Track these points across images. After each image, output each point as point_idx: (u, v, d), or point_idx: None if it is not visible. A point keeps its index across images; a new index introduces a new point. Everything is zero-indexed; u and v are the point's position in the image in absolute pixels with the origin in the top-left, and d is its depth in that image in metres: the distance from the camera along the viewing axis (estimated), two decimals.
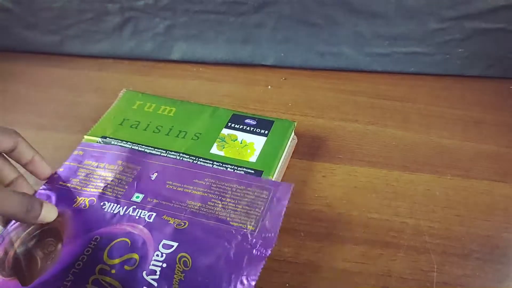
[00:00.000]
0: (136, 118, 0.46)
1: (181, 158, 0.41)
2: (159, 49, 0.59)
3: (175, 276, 0.30)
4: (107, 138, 0.44)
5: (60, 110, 0.54)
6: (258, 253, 0.32)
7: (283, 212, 0.35)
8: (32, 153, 0.37)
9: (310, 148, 0.45)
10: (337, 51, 0.55)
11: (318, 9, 0.52)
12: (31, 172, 0.38)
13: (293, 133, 0.45)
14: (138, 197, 0.37)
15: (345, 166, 0.44)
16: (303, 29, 0.54)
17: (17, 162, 0.37)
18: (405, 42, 0.53)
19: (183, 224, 0.34)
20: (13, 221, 0.36)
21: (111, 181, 0.38)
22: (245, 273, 0.31)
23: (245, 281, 0.30)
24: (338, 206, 0.40)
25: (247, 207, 0.36)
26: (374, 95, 0.52)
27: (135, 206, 0.36)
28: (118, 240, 0.33)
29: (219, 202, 0.37)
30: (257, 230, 0.34)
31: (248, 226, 0.34)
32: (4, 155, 0.37)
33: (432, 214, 0.39)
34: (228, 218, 0.35)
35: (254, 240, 0.33)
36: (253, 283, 0.30)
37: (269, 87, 0.55)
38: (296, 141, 0.46)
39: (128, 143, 0.43)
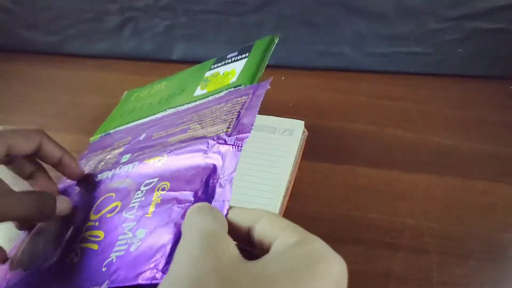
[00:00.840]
0: (133, 105, 0.47)
1: (167, 113, 0.41)
2: (159, 49, 0.59)
3: (152, 202, 0.29)
4: (107, 131, 0.45)
5: (60, 110, 0.54)
6: (235, 149, 0.29)
7: (260, 102, 0.32)
8: (60, 153, 0.35)
9: (310, 148, 0.45)
10: (337, 51, 0.55)
11: (318, 9, 0.52)
12: (62, 173, 0.36)
13: (303, 128, 0.44)
14: (126, 157, 0.36)
15: (345, 166, 0.44)
16: (303, 29, 0.54)
17: (44, 162, 0.35)
18: (405, 42, 0.53)
19: (161, 158, 0.32)
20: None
21: (108, 158, 0.38)
22: (222, 174, 0.28)
23: (223, 183, 0.28)
24: (338, 206, 0.40)
25: (224, 117, 0.33)
26: (374, 95, 0.52)
27: (121, 165, 0.35)
28: (104, 197, 0.33)
29: (198, 126, 0.34)
30: (233, 129, 0.31)
31: (225, 129, 0.31)
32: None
33: (432, 214, 0.39)
34: (205, 134, 0.32)
35: (230, 138, 0.30)
36: (231, 179, 0.27)
37: (269, 87, 0.55)
38: (307, 133, 0.46)
39: (124, 125, 0.44)
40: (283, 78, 0.56)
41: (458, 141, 0.46)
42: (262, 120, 0.47)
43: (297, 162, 0.43)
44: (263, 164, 0.42)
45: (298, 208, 0.40)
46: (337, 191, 0.41)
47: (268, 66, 0.57)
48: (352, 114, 0.50)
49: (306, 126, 0.45)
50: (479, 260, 0.35)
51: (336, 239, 0.38)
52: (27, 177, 0.35)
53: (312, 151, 0.45)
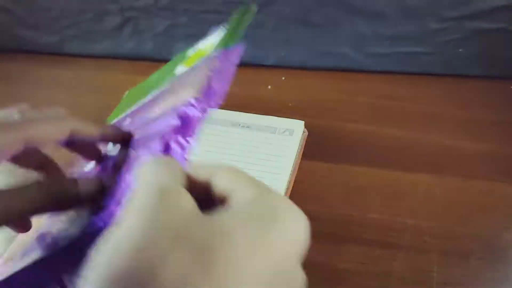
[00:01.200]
0: (130, 101, 0.47)
1: (151, 96, 0.39)
2: (159, 49, 0.59)
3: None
4: None
5: None
6: (199, 113, 0.28)
7: (233, 67, 0.32)
8: (99, 132, 0.31)
9: (310, 148, 0.45)
10: (337, 51, 0.55)
11: (318, 9, 0.52)
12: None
13: (303, 128, 0.44)
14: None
15: (345, 166, 0.44)
16: (303, 29, 0.54)
17: (76, 151, 0.32)
18: (405, 42, 0.53)
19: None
20: None
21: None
22: (179, 134, 0.27)
23: (181, 140, 0.27)
24: (338, 206, 0.40)
25: (193, 81, 0.32)
26: (374, 95, 0.52)
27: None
28: None
29: (172, 95, 0.33)
30: (203, 93, 0.29)
31: (194, 94, 0.29)
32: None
33: (432, 214, 0.39)
34: (175, 102, 0.31)
35: (197, 102, 0.29)
36: (192, 141, 0.27)
37: (269, 87, 0.55)
38: (307, 133, 0.46)
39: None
40: (283, 78, 0.56)
41: (458, 141, 0.46)
42: (262, 120, 0.47)
43: (297, 162, 0.43)
44: (263, 164, 0.42)
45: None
46: (337, 191, 0.41)
47: (268, 66, 0.57)
48: (352, 114, 0.50)
49: (306, 126, 0.45)
50: (479, 260, 0.35)
51: (336, 239, 0.38)
52: (35, 169, 0.30)
53: (312, 151, 0.45)
